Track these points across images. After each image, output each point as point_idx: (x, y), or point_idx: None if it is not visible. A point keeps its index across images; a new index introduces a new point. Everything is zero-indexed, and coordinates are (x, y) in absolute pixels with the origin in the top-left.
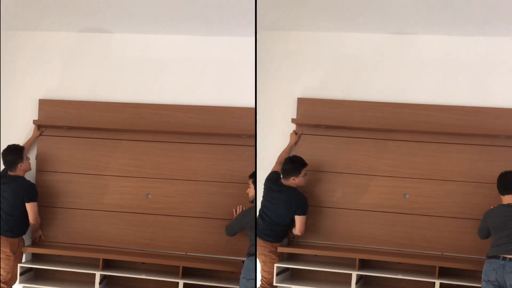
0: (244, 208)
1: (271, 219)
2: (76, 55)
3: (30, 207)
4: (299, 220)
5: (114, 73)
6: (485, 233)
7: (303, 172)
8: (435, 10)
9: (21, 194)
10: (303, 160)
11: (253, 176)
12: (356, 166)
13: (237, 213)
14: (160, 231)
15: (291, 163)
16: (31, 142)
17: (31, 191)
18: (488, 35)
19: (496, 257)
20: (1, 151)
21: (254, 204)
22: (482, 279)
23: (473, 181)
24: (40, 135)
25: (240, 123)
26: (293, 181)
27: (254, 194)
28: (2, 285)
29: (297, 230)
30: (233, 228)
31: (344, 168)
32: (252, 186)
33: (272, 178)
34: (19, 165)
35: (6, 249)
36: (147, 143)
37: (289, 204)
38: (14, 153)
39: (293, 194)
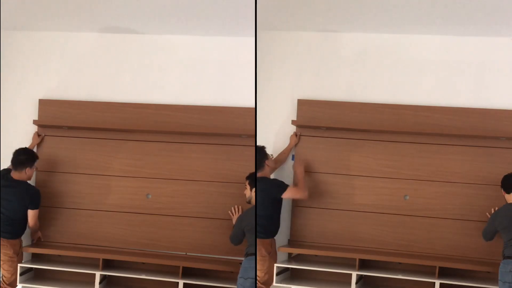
0: (241, 209)
1: None
2: (76, 55)
3: (33, 214)
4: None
5: (114, 73)
6: (490, 235)
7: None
8: (435, 10)
9: (27, 200)
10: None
11: (250, 177)
12: (356, 167)
13: (233, 213)
14: (160, 231)
15: (26, 154)
16: (31, 148)
17: (36, 198)
18: (488, 35)
19: (510, 257)
20: (15, 150)
21: (250, 204)
22: (499, 280)
23: (474, 182)
24: (40, 142)
25: (240, 123)
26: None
27: (250, 195)
28: (5, 286)
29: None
30: (237, 236)
31: (344, 169)
32: (248, 187)
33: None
34: (26, 169)
35: (9, 251)
36: (147, 143)
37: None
38: (29, 156)
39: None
